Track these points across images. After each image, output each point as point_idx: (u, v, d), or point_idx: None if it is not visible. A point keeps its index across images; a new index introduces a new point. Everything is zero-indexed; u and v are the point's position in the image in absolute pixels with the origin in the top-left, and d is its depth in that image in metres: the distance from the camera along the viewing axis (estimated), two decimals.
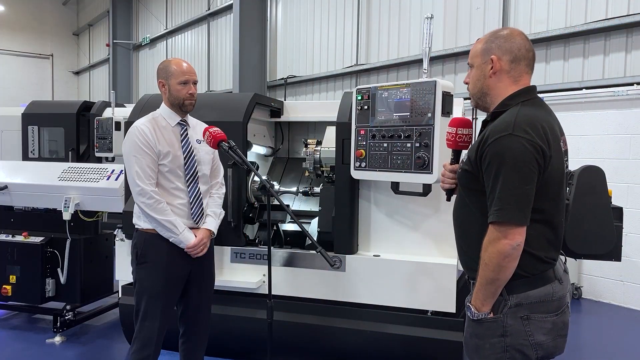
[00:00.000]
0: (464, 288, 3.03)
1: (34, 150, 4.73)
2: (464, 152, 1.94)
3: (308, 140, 3.53)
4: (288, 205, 3.50)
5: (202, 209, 2.75)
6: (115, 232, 3.66)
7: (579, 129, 5.43)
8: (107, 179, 3.89)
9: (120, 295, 3.73)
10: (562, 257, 1.90)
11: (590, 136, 5.39)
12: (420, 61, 3.47)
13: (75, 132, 4.69)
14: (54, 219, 4.13)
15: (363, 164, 3.04)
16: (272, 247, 3.29)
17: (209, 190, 2.84)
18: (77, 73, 20.04)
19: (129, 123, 3.07)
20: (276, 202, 2.78)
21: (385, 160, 2.94)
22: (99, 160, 4.58)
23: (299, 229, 2.67)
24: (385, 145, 2.93)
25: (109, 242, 4.52)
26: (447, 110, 2.77)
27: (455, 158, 2.02)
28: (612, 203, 2.98)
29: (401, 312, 3.17)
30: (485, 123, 1.85)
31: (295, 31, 9.66)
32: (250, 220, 3.48)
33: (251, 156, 3.86)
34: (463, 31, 6.83)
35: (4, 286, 4.18)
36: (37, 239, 4.19)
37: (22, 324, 4.46)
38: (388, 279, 3.17)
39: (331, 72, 8.90)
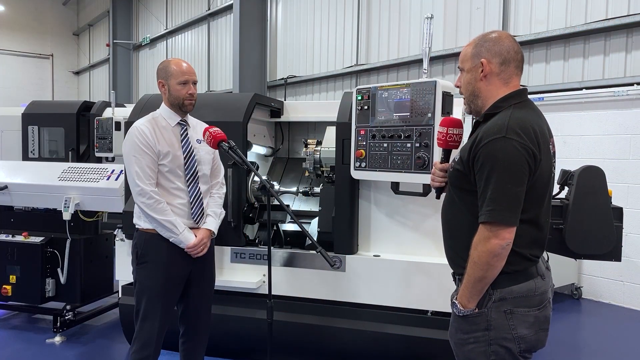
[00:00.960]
0: None
1: (34, 150, 4.73)
2: (455, 152, 1.99)
3: (308, 140, 3.54)
4: (288, 205, 3.50)
5: (203, 209, 2.75)
6: (115, 232, 3.66)
7: (579, 129, 5.43)
8: (107, 179, 3.89)
9: (120, 295, 3.73)
10: (545, 255, 1.95)
11: (590, 136, 5.39)
12: (420, 61, 3.47)
13: (75, 132, 4.69)
14: (54, 219, 4.13)
15: (363, 164, 3.04)
16: (272, 247, 3.29)
17: (209, 190, 2.84)
18: (77, 73, 20.05)
19: (129, 123, 3.07)
20: (276, 202, 2.78)
21: (385, 160, 2.94)
22: (99, 160, 4.58)
23: (299, 229, 2.67)
24: (385, 145, 2.93)
25: (109, 242, 4.52)
26: (447, 111, 2.77)
27: (446, 157, 2.05)
28: (612, 203, 2.99)
29: (401, 312, 3.17)
30: (477, 124, 1.89)
31: (295, 31, 9.66)
32: (250, 220, 3.48)
33: (251, 156, 3.86)
34: (463, 31, 6.83)
35: (4, 286, 4.18)
36: (37, 239, 4.19)
37: (22, 324, 4.46)
38: (388, 279, 3.17)
39: (331, 72, 8.90)
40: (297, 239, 3.83)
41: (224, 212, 2.93)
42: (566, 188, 3.02)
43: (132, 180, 2.60)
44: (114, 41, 15.74)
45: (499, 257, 1.69)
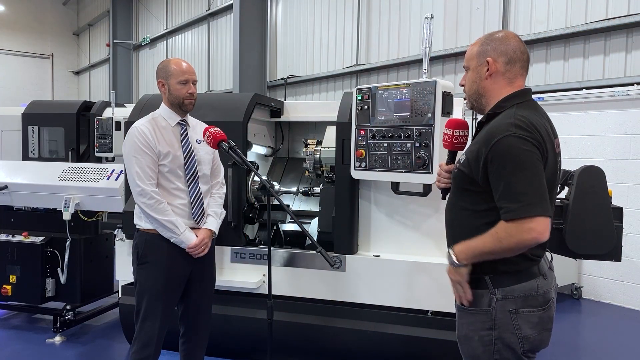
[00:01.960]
0: None
1: (34, 150, 4.73)
2: (460, 153, 1.98)
3: (308, 140, 3.53)
4: (288, 205, 3.50)
5: (203, 209, 2.75)
6: (115, 232, 3.65)
7: (579, 129, 5.43)
8: (107, 179, 3.89)
9: (120, 295, 3.73)
10: (548, 255, 1.95)
11: (590, 136, 5.39)
12: (420, 61, 3.47)
13: (75, 132, 4.69)
14: (54, 219, 4.13)
15: (363, 164, 3.04)
16: (272, 247, 3.29)
17: (209, 190, 2.84)
18: (77, 73, 20.05)
19: (129, 123, 3.07)
20: (276, 202, 2.78)
21: (385, 160, 2.94)
22: (99, 160, 4.58)
23: (299, 229, 2.67)
24: (385, 145, 2.93)
25: (109, 242, 4.52)
26: (447, 111, 2.77)
27: (451, 158, 2.06)
28: (612, 203, 2.99)
29: (401, 312, 3.17)
30: (480, 124, 1.89)
31: (295, 31, 9.66)
32: (250, 220, 3.48)
33: (251, 156, 3.86)
34: (463, 31, 6.83)
35: (4, 286, 4.18)
36: (37, 239, 4.19)
37: (22, 324, 4.46)
38: (388, 279, 3.17)
39: (331, 72, 8.90)
40: (297, 239, 3.83)
41: (225, 212, 2.93)
42: (566, 188, 3.02)
43: (133, 181, 2.60)
44: (114, 41, 15.73)
45: (528, 246, 1.67)
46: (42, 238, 4.20)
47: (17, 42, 18.23)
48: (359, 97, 3.03)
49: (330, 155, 3.32)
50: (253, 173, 3.09)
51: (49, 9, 19.19)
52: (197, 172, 2.72)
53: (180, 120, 2.73)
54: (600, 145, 5.32)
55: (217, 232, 2.81)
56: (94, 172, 3.99)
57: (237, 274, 3.40)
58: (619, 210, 3.00)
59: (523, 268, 1.77)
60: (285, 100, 5.68)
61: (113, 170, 3.94)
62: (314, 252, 2.87)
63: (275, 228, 3.80)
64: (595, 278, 5.44)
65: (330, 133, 3.39)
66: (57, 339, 4.03)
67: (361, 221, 3.31)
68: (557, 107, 5.46)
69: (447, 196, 2.03)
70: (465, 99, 2.02)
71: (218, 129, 2.64)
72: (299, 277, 3.33)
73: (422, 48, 2.99)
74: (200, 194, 2.73)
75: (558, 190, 3.06)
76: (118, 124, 4.34)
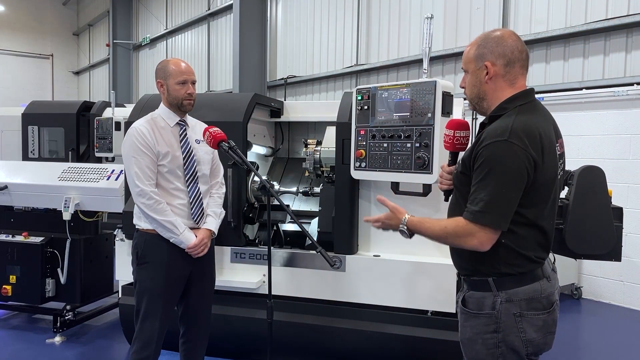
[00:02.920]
0: None
1: (34, 150, 4.73)
2: (461, 154, 1.97)
3: (308, 140, 3.53)
4: (288, 205, 3.50)
5: (203, 209, 2.75)
6: (115, 232, 3.65)
7: (579, 129, 5.43)
8: (107, 179, 3.89)
9: (120, 295, 3.73)
10: (551, 257, 1.95)
11: (590, 136, 5.39)
12: (420, 61, 3.47)
13: (75, 132, 4.69)
14: (54, 219, 4.13)
15: (363, 164, 3.04)
16: (272, 247, 3.29)
17: (209, 190, 2.84)
18: (77, 73, 20.05)
19: (129, 123, 3.07)
20: (276, 202, 2.78)
21: (385, 160, 2.94)
22: (99, 160, 4.58)
23: (299, 229, 2.67)
24: (385, 145, 2.93)
25: (109, 242, 4.52)
26: (447, 111, 2.77)
27: (453, 160, 2.05)
28: (612, 203, 2.99)
29: (401, 312, 3.17)
30: (482, 125, 1.88)
31: (295, 31, 9.66)
32: (250, 220, 3.48)
33: (251, 156, 3.86)
34: (463, 31, 6.83)
35: (4, 286, 4.17)
36: (37, 239, 4.19)
37: (22, 324, 4.46)
38: (388, 279, 3.17)
39: (331, 72, 8.90)
40: (297, 239, 3.83)
41: (224, 212, 2.93)
42: (566, 188, 3.02)
43: (132, 181, 2.60)
44: (114, 41, 15.74)
45: (469, 249, 1.73)
46: (42, 238, 4.20)
47: (17, 42, 18.23)
48: (359, 97, 3.03)
49: (330, 155, 3.32)
50: (253, 173, 3.09)
51: (49, 9, 19.19)
52: (196, 172, 2.72)
53: (180, 121, 2.73)
54: (600, 145, 5.32)
55: (216, 232, 2.81)
56: (93, 172, 3.99)
57: (237, 274, 3.40)
58: (619, 210, 3.00)
59: (527, 270, 1.76)
60: (285, 100, 5.68)
61: (113, 171, 3.93)
62: (314, 252, 2.87)
63: (275, 228, 3.80)
64: (595, 278, 5.44)
65: (330, 133, 3.39)
66: (57, 339, 4.03)
67: (361, 221, 3.31)
68: (557, 107, 5.46)
69: (450, 198, 2.03)
70: (465, 99, 2.01)
71: (218, 129, 2.64)
72: (299, 277, 3.33)
73: (422, 48, 2.99)
74: (200, 194, 2.73)
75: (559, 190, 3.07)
76: (118, 124, 4.34)
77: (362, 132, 3.02)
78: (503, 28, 2.01)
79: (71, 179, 3.98)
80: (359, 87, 3.06)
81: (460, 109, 3.11)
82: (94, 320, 4.46)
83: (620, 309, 5.16)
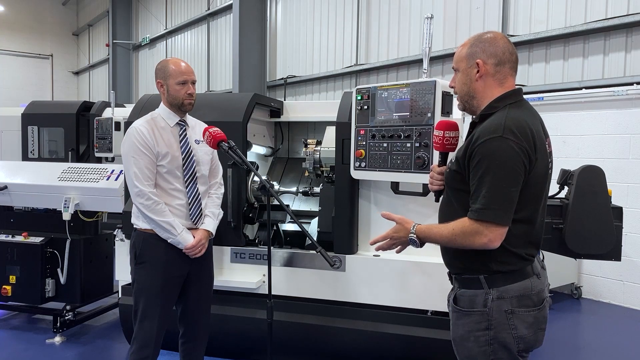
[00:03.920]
0: None
1: (33, 150, 4.73)
2: (452, 154, 2.00)
3: (308, 140, 3.53)
4: (288, 205, 3.50)
5: (201, 209, 2.75)
6: (115, 232, 3.65)
7: (579, 129, 5.43)
8: (107, 179, 3.89)
9: (120, 295, 3.73)
10: (540, 255, 1.97)
11: (590, 136, 5.39)
12: (420, 61, 3.48)
13: (75, 132, 4.69)
14: (54, 219, 4.13)
15: (363, 164, 3.04)
16: (272, 247, 3.29)
17: (207, 190, 2.84)
18: (77, 73, 20.05)
19: (128, 123, 3.07)
20: (276, 202, 2.78)
21: (385, 160, 2.94)
22: (99, 160, 4.58)
23: (299, 229, 2.67)
24: (385, 145, 2.93)
25: (109, 242, 4.51)
26: (446, 110, 2.77)
27: (443, 160, 2.06)
28: (612, 203, 2.99)
29: (401, 311, 3.17)
30: (473, 125, 1.90)
31: (295, 31, 9.66)
32: (250, 220, 3.48)
33: (251, 156, 3.86)
34: (463, 31, 6.83)
35: (4, 286, 4.17)
36: (37, 239, 4.19)
37: (22, 324, 4.46)
38: (388, 279, 3.17)
39: (331, 72, 8.90)
40: (297, 239, 3.83)
41: (222, 212, 2.93)
42: (566, 188, 3.02)
43: (131, 181, 2.60)
44: (114, 41, 15.74)
45: (477, 248, 1.73)
46: (42, 238, 4.19)
47: (16, 42, 18.24)
48: (359, 97, 3.03)
49: (330, 155, 3.32)
50: (253, 173, 3.09)
51: (49, 9, 19.20)
52: (195, 173, 2.72)
53: (179, 121, 2.73)
54: (600, 145, 5.31)
55: (214, 233, 2.80)
56: (93, 172, 3.98)
57: (236, 274, 3.40)
58: (619, 210, 3.00)
59: (517, 268, 1.78)
60: (285, 100, 5.68)
61: (113, 171, 3.93)
62: (314, 252, 2.86)
63: (275, 228, 3.80)
64: (595, 278, 5.44)
65: (330, 133, 3.39)
66: (57, 339, 4.03)
67: (361, 221, 3.31)
68: (556, 107, 5.46)
69: (441, 198, 2.05)
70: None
71: (218, 129, 2.64)
72: (299, 277, 3.33)
73: (422, 48, 2.99)
74: (199, 194, 2.73)
75: (558, 190, 3.08)
76: (118, 124, 4.34)
77: (362, 132, 3.02)
78: (494, 30, 2.01)
79: (71, 179, 3.98)
80: (358, 87, 3.06)
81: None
82: (94, 320, 4.45)
83: (620, 309, 5.16)
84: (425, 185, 2.95)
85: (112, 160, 4.52)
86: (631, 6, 5.20)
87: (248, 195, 3.42)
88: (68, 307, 4.19)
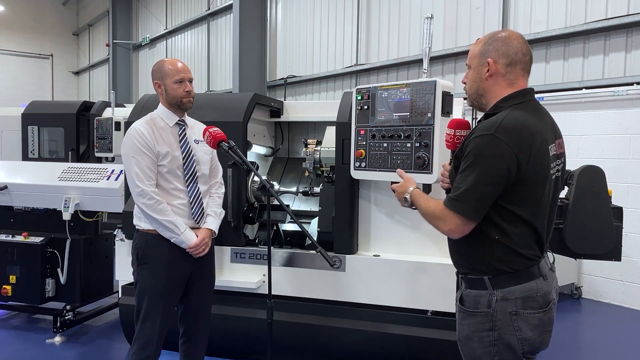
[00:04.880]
0: None
1: (33, 150, 4.74)
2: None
3: (308, 140, 3.53)
4: (288, 205, 3.50)
5: (203, 208, 2.75)
6: (115, 232, 3.65)
7: (579, 129, 5.43)
8: (107, 179, 3.89)
9: (120, 296, 3.73)
10: (550, 256, 1.96)
11: (590, 136, 5.39)
12: (420, 61, 3.48)
13: (75, 132, 4.70)
14: (54, 219, 4.13)
15: (363, 164, 3.03)
16: (272, 247, 3.29)
17: (208, 190, 2.84)
18: (77, 73, 20.05)
19: (128, 123, 3.07)
20: (276, 202, 2.78)
21: (385, 160, 2.94)
22: (99, 160, 4.59)
23: (299, 229, 2.67)
24: (385, 145, 2.93)
25: (109, 242, 4.52)
26: (447, 110, 2.77)
27: None
28: (612, 203, 2.99)
29: (401, 312, 3.17)
30: (479, 124, 1.88)
31: (295, 31, 9.66)
32: (250, 220, 3.48)
33: (251, 156, 3.86)
34: (463, 31, 6.83)
35: (4, 286, 4.17)
36: (37, 239, 4.19)
37: (22, 324, 4.46)
38: (388, 279, 3.17)
39: (331, 72, 8.90)
40: (297, 239, 3.83)
41: (224, 211, 2.93)
42: (566, 188, 3.02)
43: (132, 182, 2.60)
44: (114, 41, 15.74)
45: (440, 230, 1.82)
46: (42, 238, 4.20)
47: (16, 42, 18.23)
48: (359, 97, 3.03)
49: (330, 155, 3.32)
50: (253, 173, 3.09)
51: (49, 9, 19.19)
52: (195, 172, 2.72)
53: (179, 121, 2.73)
54: (600, 145, 5.32)
55: (217, 232, 2.81)
56: (93, 172, 3.99)
57: (237, 274, 3.40)
58: (619, 210, 3.00)
59: (522, 268, 1.77)
60: (285, 100, 5.68)
61: (113, 171, 3.94)
62: (314, 252, 2.87)
63: (275, 228, 3.79)
64: (595, 278, 5.44)
65: (330, 133, 3.39)
66: (57, 339, 4.03)
67: (361, 221, 3.31)
68: (556, 107, 5.46)
69: None
70: (465, 99, 2.02)
71: (218, 129, 2.64)
72: (299, 277, 3.33)
73: (422, 48, 2.99)
74: (200, 194, 2.73)
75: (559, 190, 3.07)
76: (118, 124, 4.35)
77: (362, 132, 3.02)
78: (511, 30, 2.01)
79: (71, 179, 3.98)
80: (358, 87, 3.06)
81: (460, 109, 3.11)
82: (94, 320, 4.46)
83: (620, 309, 5.16)
84: (425, 186, 2.95)
85: (112, 160, 4.52)
86: (631, 6, 5.20)
87: (248, 195, 3.43)
88: (68, 307, 4.20)
